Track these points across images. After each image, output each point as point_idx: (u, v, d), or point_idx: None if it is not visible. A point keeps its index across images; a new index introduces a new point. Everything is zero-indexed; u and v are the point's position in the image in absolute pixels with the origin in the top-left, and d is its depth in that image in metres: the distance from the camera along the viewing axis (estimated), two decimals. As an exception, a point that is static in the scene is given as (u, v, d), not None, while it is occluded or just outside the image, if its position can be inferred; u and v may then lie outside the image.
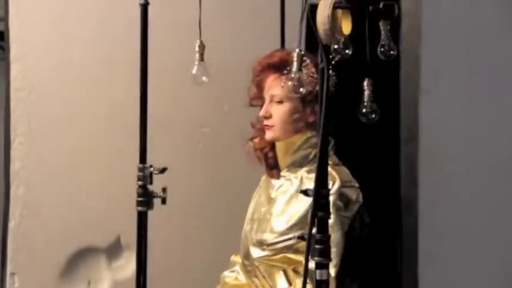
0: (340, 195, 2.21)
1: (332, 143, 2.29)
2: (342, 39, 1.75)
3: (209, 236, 3.18)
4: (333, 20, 1.68)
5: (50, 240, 3.16)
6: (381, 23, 1.79)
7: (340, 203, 2.21)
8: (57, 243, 3.17)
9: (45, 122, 3.14)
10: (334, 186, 2.18)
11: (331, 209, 1.89)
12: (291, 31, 2.81)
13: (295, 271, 2.28)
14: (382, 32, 1.80)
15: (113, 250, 3.22)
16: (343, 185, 2.22)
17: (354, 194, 2.25)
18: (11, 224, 3.14)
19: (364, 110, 1.87)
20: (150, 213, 2.42)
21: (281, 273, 2.30)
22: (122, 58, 3.05)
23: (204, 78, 2.26)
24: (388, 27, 1.80)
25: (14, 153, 3.13)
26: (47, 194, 3.16)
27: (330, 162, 2.16)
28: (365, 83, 1.87)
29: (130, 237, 2.69)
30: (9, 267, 3.16)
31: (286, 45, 2.82)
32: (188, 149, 3.20)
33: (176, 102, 3.17)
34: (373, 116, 1.87)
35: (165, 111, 3.09)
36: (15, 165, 3.13)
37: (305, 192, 1.84)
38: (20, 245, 3.15)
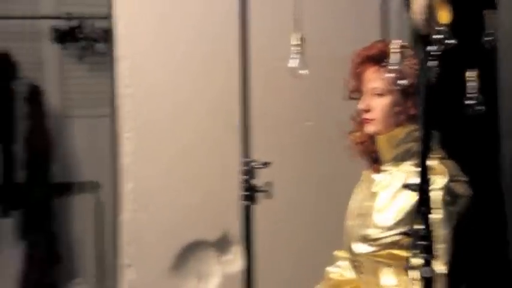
0: (449, 189, 2.14)
1: (436, 136, 2.22)
2: (443, 29, 1.69)
3: (314, 230, 3.16)
4: (430, 9, 1.63)
5: (160, 233, 3.20)
6: (485, 12, 1.73)
7: (448, 198, 2.14)
8: (167, 236, 3.21)
9: (151, 118, 3.19)
10: (442, 181, 2.13)
11: (440, 204, 1.84)
12: (394, 21, 2.74)
13: (402, 267, 2.23)
14: (486, 21, 1.74)
15: (222, 244, 3.25)
16: (451, 179, 2.15)
17: (462, 188, 2.17)
18: (123, 218, 3.21)
19: (470, 102, 1.81)
20: (256, 207, 2.42)
21: (387, 269, 2.25)
22: (224, 53, 3.06)
23: (303, 71, 2.23)
24: (493, 16, 1.74)
25: (122, 149, 3.19)
26: (156, 189, 3.21)
27: (436, 156, 2.11)
28: (470, 74, 1.81)
29: (238, 231, 2.70)
30: (124, 260, 3.23)
31: (390, 35, 2.76)
32: (291, 143, 3.19)
33: (278, 96, 3.16)
34: (480, 107, 1.81)
35: (268, 105, 3.08)
36: (124, 160, 3.20)
37: (408, 187, 1.79)
38: (132, 238, 3.21)
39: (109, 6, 3.17)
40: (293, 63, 2.23)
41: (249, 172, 2.41)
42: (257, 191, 2.41)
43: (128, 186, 3.19)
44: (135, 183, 3.19)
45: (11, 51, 4.15)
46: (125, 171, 3.19)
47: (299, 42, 2.21)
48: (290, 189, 3.13)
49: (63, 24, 4.32)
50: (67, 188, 4.37)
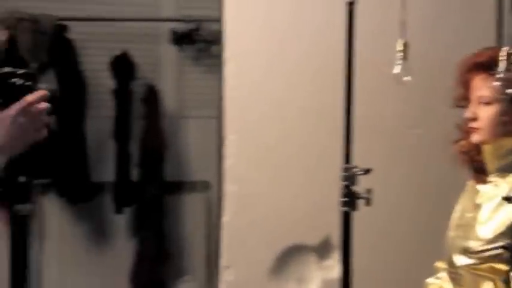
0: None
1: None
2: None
3: (415, 239, 3.10)
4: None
5: (260, 236, 3.22)
6: None
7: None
8: (267, 240, 3.22)
9: (255, 120, 3.21)
10: (551, 195, 2.03)
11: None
12: (508, 26, 2.65)
13: (505, 282, 2.14)
14: None
15: (323, 249, 3.23)
16: (562, 193, 2.05)
17: None
18: (225, 219, 3.24)
19: None
20: (357, 214, 2.39)
21: (488, 283, 2.17)
22: (328, 57, 3.04)
23: (406, 77, 2.19)
24: None
25: (226, 150, 3.22)
26: (258, 191, 3.22)
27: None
28: None
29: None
30: (224, 261, 3.25)
31: (504, 42, 2.67)
32: (394, 149, 3.13)
33: (383, 102, 3.12)
34: None
35: (372, 111, 3.04)
36: (228, 162, 3.23)
37: (508, 199, 1.73)
38: (232, 239, 3.24)
39: (221, 9, 3.21)
40: (397, 69, 2.19)
41: (350, 178, 2.37)
42: (357, 198, 2.37)
43: (230, 188, 3.22)
44: (238, 185, 3.22)
45: (130, 53, 4.25)
46: (228, 173, 3.22)
47: (402, 48, 2.17)
48: (392, 197, 3.08)
49: (182, 26, 4.39)
50: (179, 187, 4.43)
